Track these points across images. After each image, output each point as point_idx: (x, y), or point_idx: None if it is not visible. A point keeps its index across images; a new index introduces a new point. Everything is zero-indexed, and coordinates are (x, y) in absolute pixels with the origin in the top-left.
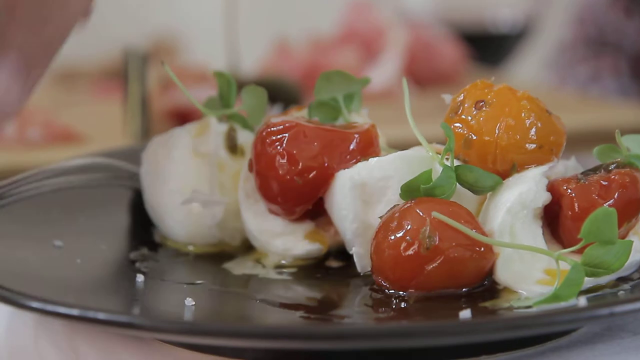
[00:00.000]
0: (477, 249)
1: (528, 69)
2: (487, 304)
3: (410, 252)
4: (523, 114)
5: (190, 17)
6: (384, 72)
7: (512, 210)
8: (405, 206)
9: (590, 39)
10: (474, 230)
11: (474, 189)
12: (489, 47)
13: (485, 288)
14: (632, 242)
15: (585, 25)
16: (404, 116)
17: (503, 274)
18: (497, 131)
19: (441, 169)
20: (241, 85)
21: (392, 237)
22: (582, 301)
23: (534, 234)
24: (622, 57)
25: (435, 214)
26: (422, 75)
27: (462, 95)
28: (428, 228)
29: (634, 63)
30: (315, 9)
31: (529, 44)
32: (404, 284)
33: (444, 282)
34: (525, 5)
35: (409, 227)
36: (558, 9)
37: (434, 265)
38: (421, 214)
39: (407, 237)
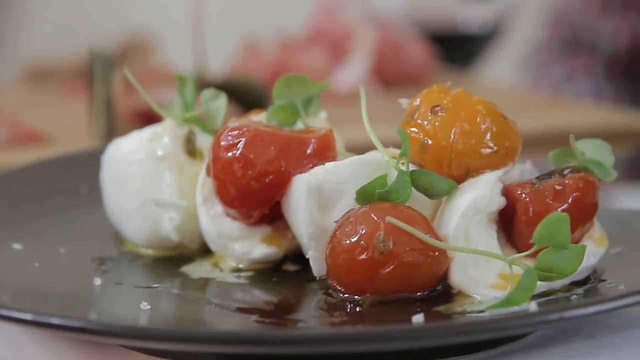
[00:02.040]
0: (431, 253)
1: (500, 70)
2: (441, 308)
3: (364, 256)
4: (478, 119)
5: (163, 17)
6: (353, 72)
7: (466, 215)
8: (360, 211)
9: (565, 39)
10: (428, 235)
11: (429, 193)
12: (458, 47)
13: (440, 292)
14: (585, 246)
15: (560, 25)
16: (370, 117)
17: (457, 278)
18: (452, 136)
19: (397, 173)
20: (208, 86)
21: (347, 242)
22: (533, 306)
23: (489, 239)
24: (596, 57)
25: (389, 218)
26: (391, 76)
27: (419, 99)
28: (382, 232)
29: (608, 63)
30: (284, 10)
31: (500, 45)
32: (358, 288)
33: (399, 287)
34: (495, 5)
35: (364, 231)
36: (530, 9)
37: (388, 269)
38: (375, 218)
39: (362, 242)
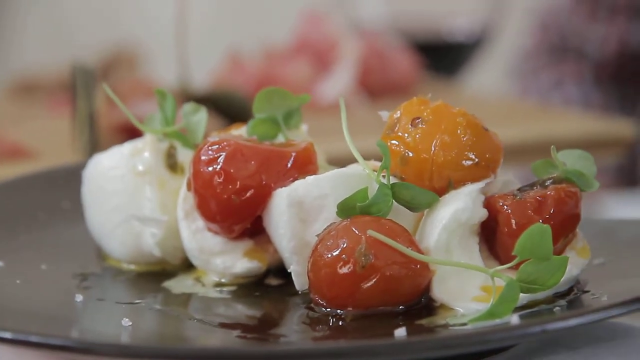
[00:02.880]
0: (413, 266)
1: (487, 78)
2: (424, 321)
3: (346, 270)
4: (459, 131)
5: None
6: (338, 83)
7: (448, 227)
8: (342, 224)
9: (553, 45)
10: (409, 248)
11: (410, 206)
12: (445, 56)
13: (422, 305)
14: (568, 258)
15: (548, 32)
16: (355, 128)
17: (439, 291)
18: (433, 148)
19: (378, 186)
20: (192, 99)
21: (329, 256)
22: (515, 319)
23: (470, 251)
24: (584, 63)
25: (370, 232)
26: (376, 86)
27: (399, 112)
28: (364, 246)
29: (596, 69)
30: (268, 21)
31: (487, 53)
32: (340, 302)
33: (381, 300)
34: (481, 14)
35: (345, 245)
36: (516, 16)
37: (370, 283)
38: (357, 232)
39: (343, 256)
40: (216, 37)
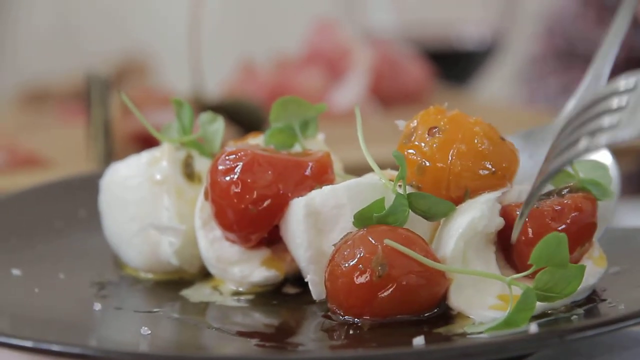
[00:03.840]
0: (430, 275)
1: (497, 86)
2: (441, 330)
3: (362, 279)
4: (476, 140)
5: (160, 39)
6: (350, 91)
7: (464, 236)
8: (358, 234)
9: (560, 50)
10: (426, 257)
11: (426, 215)
12: (455, 64)
13: (439, 314)
14: (585, 266)
15: (555, 37)
16: (369, 136)
17: (456, 300)
18: (450, 158)
19: (394, 196)
20: (205, 108)
21: (345, 265)
22: (534, 327)
23: (487, 260)
24: None
25: (387, 241)
26: (388, 94)
27: (415, 121)
28: (380, 255)
29: None
30: (280, 30)
31: (496, 61)
32: (357, 311)
33: (398, 309)
34: (491, 22)
35: (362, 254)
36: (525, 23)
37: (386, 292)
38: (373, 241)
39: (360, 265)
40: (228, 46)
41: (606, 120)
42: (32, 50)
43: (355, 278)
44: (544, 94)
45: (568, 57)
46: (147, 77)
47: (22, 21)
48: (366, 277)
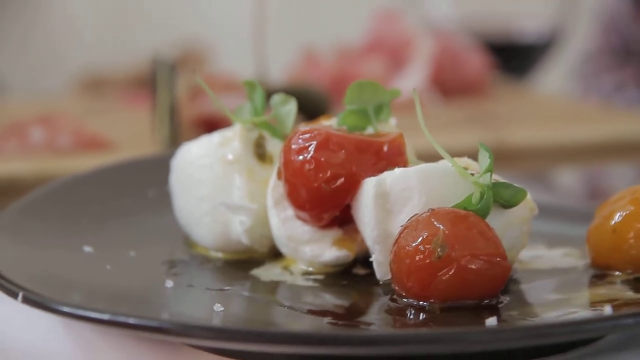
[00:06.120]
0: (492, 260)
1: (554, 80)
2: (514, 312)
3: (423, 260)
4: None
5: (219, 26)
6: (411, 81)
7: None
8: (423, 216)
9: (615, 48)
10: (489, 242)
11: (506, 205)
12: (515, 57)
13: (511, 300)
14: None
15: (609, 35)
16: (430, 126)
17: None
18: None
19: (466, 184)
20: (270, 93)
21: (408, 246)
22: (608, 310)
23: None
24: None
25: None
26: (449, 85)
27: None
28: (440, 237)
29: None
30: (343, 19)
31: (555, 55)
32: (418, 292)
33: (458, 293)
34: (551, 16)
35: (424, 236)
36: (584, 19)
37: (446, 274)
38: (435, 223)
39: (421, 247)
40: (290, 34)
41: None
42: (88, 40)
43: (416, 259)
44: (597, 91)
45: (622, 55)
46: (207, 65)
47: (78, 12)
48: (426, 258)
